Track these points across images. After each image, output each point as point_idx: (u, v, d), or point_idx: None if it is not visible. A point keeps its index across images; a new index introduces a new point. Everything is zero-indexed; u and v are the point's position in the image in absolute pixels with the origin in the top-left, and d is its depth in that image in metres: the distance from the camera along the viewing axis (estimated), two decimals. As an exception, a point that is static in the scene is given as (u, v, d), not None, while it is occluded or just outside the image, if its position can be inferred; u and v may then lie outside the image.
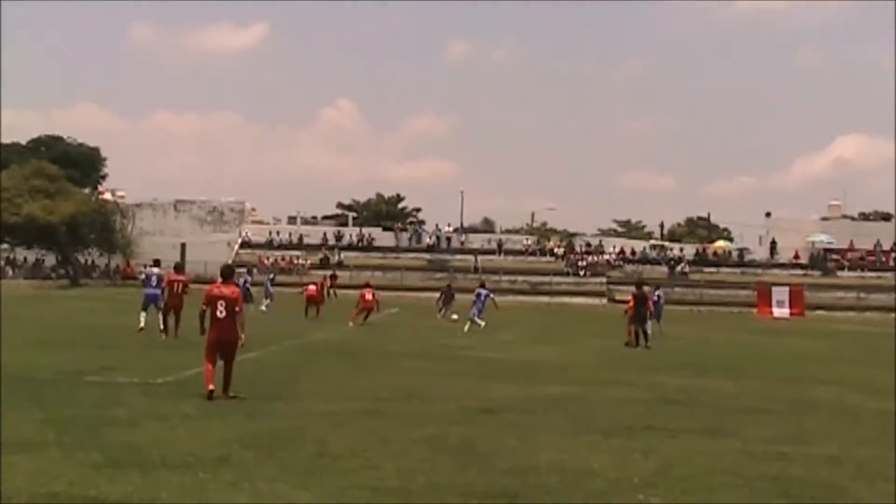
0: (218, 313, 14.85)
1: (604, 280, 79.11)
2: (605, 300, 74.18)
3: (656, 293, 40.36)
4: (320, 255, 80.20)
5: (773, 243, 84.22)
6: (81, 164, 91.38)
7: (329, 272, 60.34)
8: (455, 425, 12.84)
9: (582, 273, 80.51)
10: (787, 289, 72.94)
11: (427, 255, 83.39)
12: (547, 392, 17.35)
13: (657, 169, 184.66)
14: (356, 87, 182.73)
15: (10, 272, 76.29)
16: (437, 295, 47.44)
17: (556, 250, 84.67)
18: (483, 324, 35.61)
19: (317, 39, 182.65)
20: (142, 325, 26.61)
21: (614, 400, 16.56)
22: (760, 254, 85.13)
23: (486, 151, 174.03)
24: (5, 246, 78.09)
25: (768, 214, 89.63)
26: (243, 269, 48.97)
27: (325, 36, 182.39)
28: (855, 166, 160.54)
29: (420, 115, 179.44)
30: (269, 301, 45.50)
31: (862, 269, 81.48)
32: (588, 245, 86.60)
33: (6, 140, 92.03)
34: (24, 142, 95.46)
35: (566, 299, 73.68)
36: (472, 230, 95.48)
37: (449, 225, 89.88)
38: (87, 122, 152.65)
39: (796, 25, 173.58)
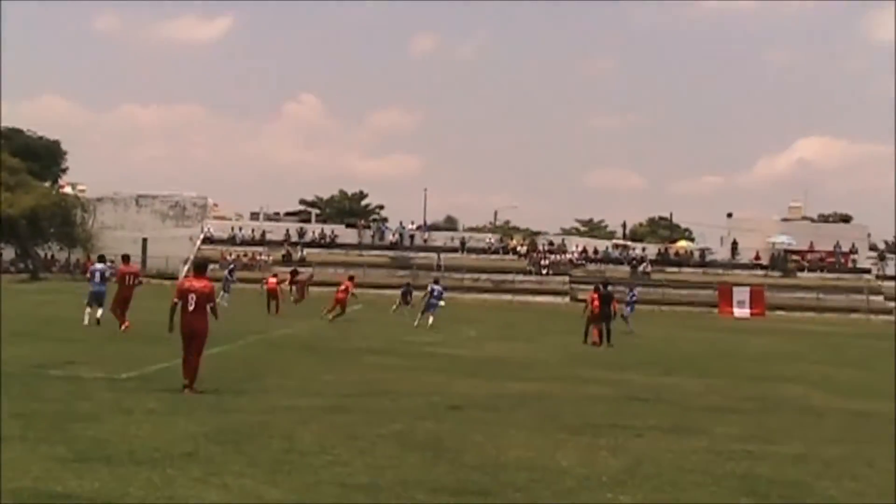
0: (189, 306, 14.76)
1: (566, 279, 79.31)
2: (567, 299, 74.35)
3: (632, 293, 40.67)
4: (283, 252, 79.88)
5: (735, 244, 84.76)
6: (42, 156, 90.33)
7: (291, 268, 60.20)
8: (422, 421, 12.82)
9: (544, 272, 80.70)
10: (747, 289, 73.66)
11: (390, 253, 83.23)
12: (512, 389, 17.36)
13: (620, 168, 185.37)
14: (320, 82, 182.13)
15: (-32, 265, 75.44)
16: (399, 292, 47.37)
17: (519, 249, 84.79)
18: (431, 322, 35.55)
19: (281, 33, 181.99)
20: (85, 321, 26.59)
21: (580, 397, 16.61)
22: (722, 254, 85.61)
23: (450, 148, 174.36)
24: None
25: (730, 215, 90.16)
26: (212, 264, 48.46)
27: (290, 30, 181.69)
28: (816, 167, 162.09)
29: (385, 111, 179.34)
30: (227, 295, 44.86)
31: (821, 271, 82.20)
32: (551, 244, 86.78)
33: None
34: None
35: (529, 298, 73.83)
36: (436, 228, 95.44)
37: (412, 222, 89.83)
38: (49, 115, 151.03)
39: (761, 27, 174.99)
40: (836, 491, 9.72)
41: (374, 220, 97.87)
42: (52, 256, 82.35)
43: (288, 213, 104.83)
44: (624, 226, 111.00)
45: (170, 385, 14.85)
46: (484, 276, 77.75)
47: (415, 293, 43.28)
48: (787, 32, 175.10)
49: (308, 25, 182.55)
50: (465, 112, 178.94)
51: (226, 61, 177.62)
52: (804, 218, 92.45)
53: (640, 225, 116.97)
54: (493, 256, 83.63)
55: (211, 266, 24.59)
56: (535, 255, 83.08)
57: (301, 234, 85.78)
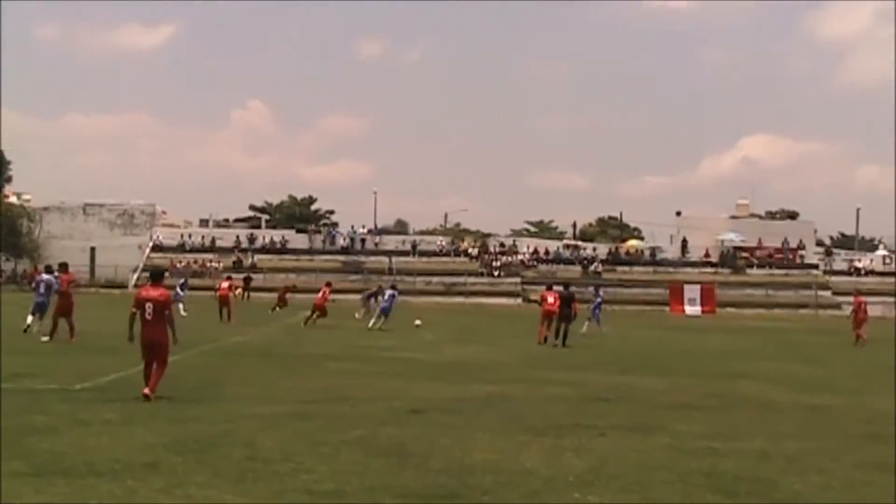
0: (146, 315, 14.64)
1: (518, 280, 79.51)
2: (519, 300, 74.54)
3: (599, 294, 40.78)
4: (233, 258, 79.38)
5: (684, 242, 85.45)
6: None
7: (243, 275, 59.76)
8: (385, 426, 12.70)
9: (496, 273, 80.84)
10: (698, 287, 74.20)
11: (341, 257, 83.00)
12: (474, 392, 17.28)
13: (568, 169, 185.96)
14: (267, 88, 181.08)
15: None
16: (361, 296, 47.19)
17: (470, 251, 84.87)
18: (380, 323, 36.83)
19: (226, 39, 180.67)
20: (27, 324, 26.71)
21: (541, 398, 16.57)
22: (672, 252, 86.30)
23: (398, 152, 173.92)
24: None
25: (678, 213, 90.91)
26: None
27: (235, 36, 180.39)
28: (761, 166, 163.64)
29: (331, 117, 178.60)
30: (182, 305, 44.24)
31: (770, 267, 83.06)
32: (502, 245, 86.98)
33: None
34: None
35: (481, 300, 73.91)
36: (386, 231, 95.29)
37: (364, 226, 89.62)
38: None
39: (701, 26, 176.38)
40: (801, 486, 9.73)
41: (325, 224, 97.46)
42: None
43: (237, 220, 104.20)
44: (574, 226, 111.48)
45: (125, 395, 14.64)
46: (436, 279, 77.76)
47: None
48: (727, 32, 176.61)
49: (253, 30, 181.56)
50: (411, 116, 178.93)
51: (171, 68, 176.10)
52: (752, 215, 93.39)
53: (590, 225, 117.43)
54: (445, 259, 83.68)
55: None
56: (486, 256, 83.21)
57: (251, 239, 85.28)
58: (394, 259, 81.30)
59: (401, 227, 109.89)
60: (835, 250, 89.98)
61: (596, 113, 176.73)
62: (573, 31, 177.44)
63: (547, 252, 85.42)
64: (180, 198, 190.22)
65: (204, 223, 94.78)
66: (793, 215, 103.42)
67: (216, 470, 9.57)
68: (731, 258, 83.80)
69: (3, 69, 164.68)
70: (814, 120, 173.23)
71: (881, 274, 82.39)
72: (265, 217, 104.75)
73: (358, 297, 42.96)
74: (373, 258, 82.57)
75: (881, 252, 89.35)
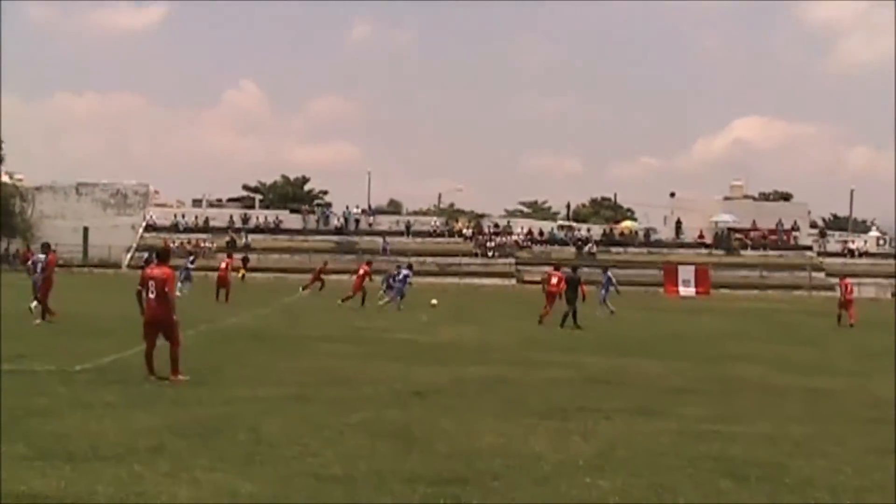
0: (150, 294, 14.76)
1: (512, 261, 79.44)
2: (514, 281, 74.49)
3: (607, 275, 40.57)
4: (227, 238, 79.16)
5: (678, 223, 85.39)
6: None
7: (241, 256, 59.55)
8: (388, 409, 12.62)
9: (490, 254, 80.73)
10: (692, 268, 74.11)
11: (335, 238, 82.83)
12: (474, 374, 17.19)
13: (562, 150, 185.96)
14: (260, 68, 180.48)
15: None
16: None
17: (464, 231, 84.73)
18: (385, 301, 37.80)
19: (220, 19, 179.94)
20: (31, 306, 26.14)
21: (543, 381, 16.48)
22: (666, 234, 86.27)
23: (392, 133, 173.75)
24: None
25: (672, 195, 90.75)
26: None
27: (229, 16, 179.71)
28: (754, 148, 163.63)
29: (325, 97, 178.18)
30: (189, 284, 43.80)
31: (764, 248, 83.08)
32: (496, 226, 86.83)
33: None
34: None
35: (475, 280, 73.82)
36: (380, 212, 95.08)
37: (357, 206, 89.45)
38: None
39: (695, 8, 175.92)
40: (810, 470, 9.67)
41: (319, 204, 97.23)
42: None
43: (231, 200, 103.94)
44: (568, 207, 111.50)
45: (125, 377, 14.59)
46: (430, 260, 77.58)
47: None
48: (720, 14, 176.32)
49: (246, 11, 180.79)
50: (406, 97, 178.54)
51: (164, 48, 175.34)
52: (746, 196, 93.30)
53: (584, 206, 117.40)
54: (439, 240, 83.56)
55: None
56: (480, 237, 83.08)
57: (245, 220, 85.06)
58: (388, 239, 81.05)
59: (394, 208, 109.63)
60: (828, 232, 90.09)
61: (589, 94, 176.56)
62: (567, 13, 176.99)
63: (541, 233, 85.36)
64: (173, 178, 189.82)
65: (197, 203, 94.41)
66: (786, 197, 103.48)
67: (221, 453, 9.49)
68: (726, 239, 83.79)
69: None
70: (807, 102, 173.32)
71: (874, 255, 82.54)
72: (259, 197, 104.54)
73: (378, 279, 41.91)
74: (367, 238, 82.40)
75: (874, 233, 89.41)
